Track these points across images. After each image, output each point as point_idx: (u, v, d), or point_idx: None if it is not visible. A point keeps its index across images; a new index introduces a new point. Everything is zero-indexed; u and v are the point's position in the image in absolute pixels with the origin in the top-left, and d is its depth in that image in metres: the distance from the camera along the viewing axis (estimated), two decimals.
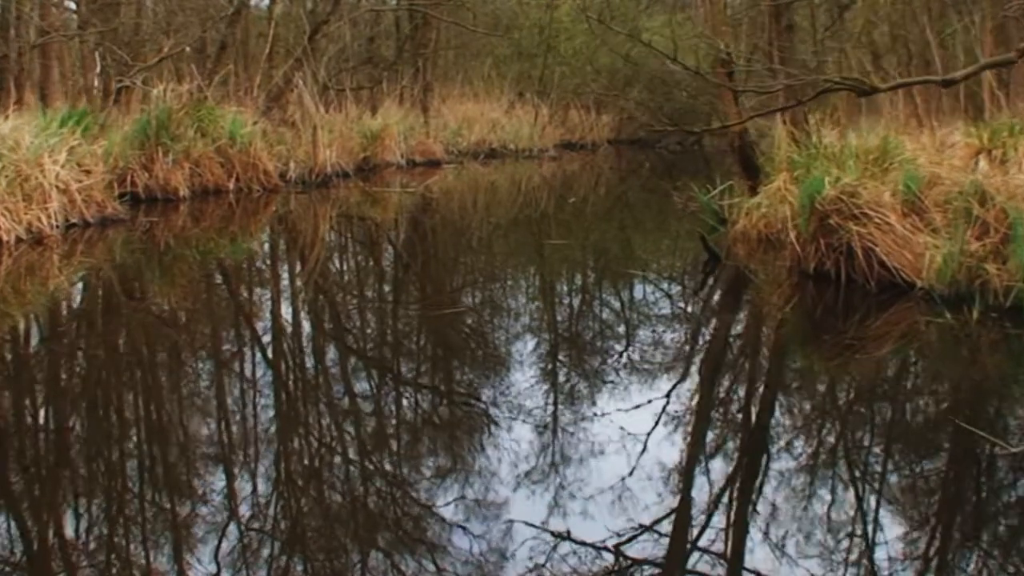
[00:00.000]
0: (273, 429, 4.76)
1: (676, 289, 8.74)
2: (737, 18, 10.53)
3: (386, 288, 8.63)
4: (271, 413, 5.02)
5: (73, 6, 17.93)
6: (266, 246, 10.61)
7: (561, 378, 5.81)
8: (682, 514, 3.91)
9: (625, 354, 6.42)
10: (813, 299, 7.75)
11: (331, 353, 6.32)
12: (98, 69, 16.85)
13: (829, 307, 7.52)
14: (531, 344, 6.60)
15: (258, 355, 6.13)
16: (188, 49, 16.87)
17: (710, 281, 8.87)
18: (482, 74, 24.46)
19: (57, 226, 9.26)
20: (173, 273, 8.64)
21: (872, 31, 11.17)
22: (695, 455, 4.61)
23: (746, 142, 11.02)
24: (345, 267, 9.65)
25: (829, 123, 11.74)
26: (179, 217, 11.44)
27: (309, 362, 6.05)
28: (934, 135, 12.36)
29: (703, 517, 3.85)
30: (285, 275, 9.12)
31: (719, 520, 3.85)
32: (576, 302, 8.27)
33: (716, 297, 8.35)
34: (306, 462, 4.43)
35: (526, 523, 3.74)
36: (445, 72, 24.97)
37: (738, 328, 7.43)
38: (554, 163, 21.61)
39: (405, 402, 5.39)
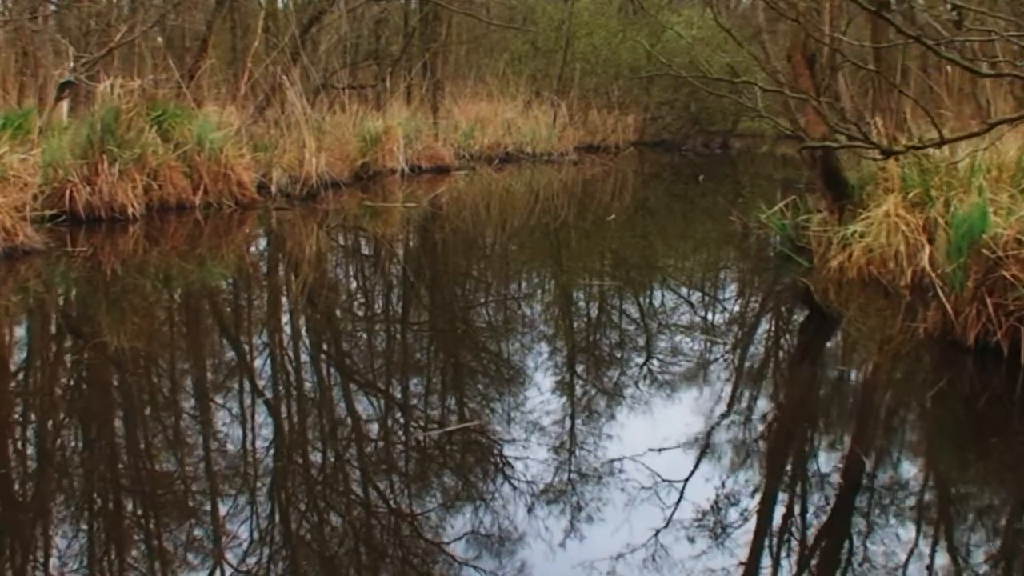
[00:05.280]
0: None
1: (773, 360, 6.35)
2: None
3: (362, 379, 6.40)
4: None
5: None
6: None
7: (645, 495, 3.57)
8: None
9: (726, 458, 4.17)
10: (973, 383, 5.47)
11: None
12: (71, 64, 14.89)
13: (999, 396, 5.26)
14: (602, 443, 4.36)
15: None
16: (160, 39, 14.67)
17: (816, 347, 6.56)
18: (496, 71, 22.31)
19: None
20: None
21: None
22: None
23: (832, 152, 8.78)
24: (315, 335, 7.38)
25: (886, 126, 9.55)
26: (126, 242, 9.17)
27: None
28: None
29: None
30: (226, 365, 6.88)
31: None
32: (639, 379, 5.95)
33: (829, 372, 6.02)
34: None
35: None
36: (456, 69, 22.89)
37: (870, 420, 5.16)
38: (575, 168, 19.44)
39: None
